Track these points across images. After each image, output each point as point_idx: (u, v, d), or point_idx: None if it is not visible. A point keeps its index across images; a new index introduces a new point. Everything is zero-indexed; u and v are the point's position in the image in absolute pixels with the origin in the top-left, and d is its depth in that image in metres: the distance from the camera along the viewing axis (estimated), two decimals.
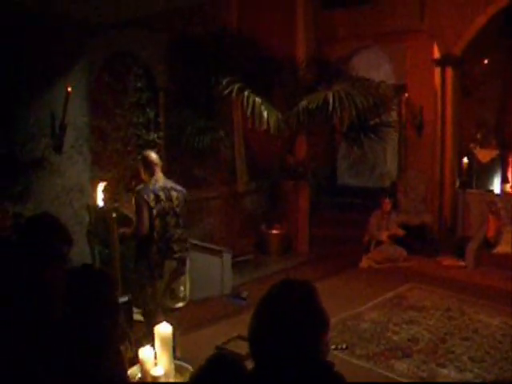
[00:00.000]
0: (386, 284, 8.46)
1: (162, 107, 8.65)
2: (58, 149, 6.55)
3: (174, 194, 5.69)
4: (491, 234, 9.46)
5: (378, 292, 8.06)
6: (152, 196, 5.53)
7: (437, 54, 10.23)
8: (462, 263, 9.33)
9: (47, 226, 3.64)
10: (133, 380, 3.83)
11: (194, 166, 9.23)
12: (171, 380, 3.84)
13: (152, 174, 5.65)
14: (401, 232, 9.82)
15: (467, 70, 10.43)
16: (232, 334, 6.26)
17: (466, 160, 9.97)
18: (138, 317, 6.07)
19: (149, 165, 5.67)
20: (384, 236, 9.74)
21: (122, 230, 5.86)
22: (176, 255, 5.70)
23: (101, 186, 5.70)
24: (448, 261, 9.43)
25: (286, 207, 10.19)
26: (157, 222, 5.55)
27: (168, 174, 6.62)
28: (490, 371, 5.72)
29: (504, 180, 10.63)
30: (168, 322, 5.40)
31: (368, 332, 6.75)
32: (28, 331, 2.57)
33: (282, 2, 9.97)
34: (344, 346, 6.23)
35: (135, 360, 3.92)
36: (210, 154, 9.34)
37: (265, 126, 8.80)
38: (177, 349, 5.18)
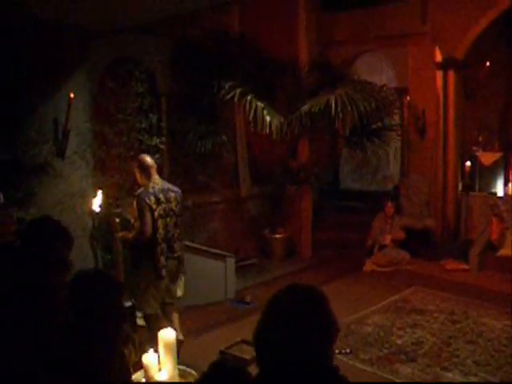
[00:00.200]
0: (389, 288, 8.45)
1: (165, 112, 8.65)
2: (61, 154, 6.56)
3: (171, 194, 5.85)
4: (495, 236, 9.44)
5: (382, 296, 8.05)
6: (153, 199, 5.66)
7: (439, 58, 10.23)
8: (466, 266, 9.31)
9: (48, 229, 3.64)
10: None
11: (196, 170, 9.23)
12: None
13: (149, 177, 5.78)
14: (401, 235, 9.80)
15: (469, 72, 10.43)
16: (236, 338, 6.25)
17: (468, 163, 9.95)
18: (140, 322, 6.08)
19: (146, 168, 5.80)
20: (387, 239, 9.72)
21: (121, 234, 5.92)
22: (176, 254, 5.88)
23: (99, 193, 5.74)
24: (451, 264, 9.41)
25: (289, 211, 10.18)
26: (159, 224, 5.69)
27: (171, 178, 6.67)
28: (495, 375, 5.71)
29: (507, 182, 10.61)
30: (170, 323, 5.47)
31: (372, 336, 6.74)
32: (30, 334, 2.57)
33: (284, 6, 9.98)
34: (348, 350, 6.22)
35: (139, 364, 3.91)
36: (212, 159, 9.34)
37: (267, 131, 8.82)
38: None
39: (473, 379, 5.63)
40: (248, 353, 5.79)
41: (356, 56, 12.06)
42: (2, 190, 4.70)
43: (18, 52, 6.12)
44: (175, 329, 5.67)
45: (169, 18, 7.08)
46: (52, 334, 2.57)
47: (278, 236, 9.96)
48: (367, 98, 8.88)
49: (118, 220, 5.99)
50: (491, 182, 10.86)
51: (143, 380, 3.87)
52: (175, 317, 6.00)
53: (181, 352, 4.72)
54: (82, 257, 6.39)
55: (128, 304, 5.55)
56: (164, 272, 5.76)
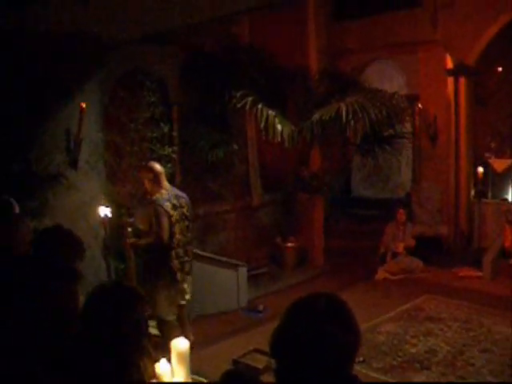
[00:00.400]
0: (402, 296, 8.41)
1: (176, 121, 8.67)
2: (74, 164, 6.60)
3: (182, 200, 6.06)
4: (508, 243, 9.36)
5: (395, 304, 8.01)
6: (169, 204, 5.85)
7: (450, 64, 10.21)
8: (479, 274, 9.25)
9: (60, 238, 3.65)
10: None
11: (208, 179, 9.24)
12: None
13: (160, 183, 5.92)
14: (412, 242, 9.76)
15: (481, 79, 10.40)
16: (248, 347, 6.23)
17: (481, 169, 9.91)
18: (153, 331, 6.08)
19: (157, 176, 5.96)
20: (399, 247, 9.68)
21: (131, 240, 5.97)
22: (189, 258, 6.13)
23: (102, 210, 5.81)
24: (465, 271, 9.35)
25: (301, 220, 10.16)
26: (176, 229, 5.89)
27: (182, 187, 6.70)
28: None
29: None
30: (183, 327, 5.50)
31: (385, 344, 6.70)
32: (41, 345, 2.56)
33: (294, 15, 10.00)
34: (361, 359, 6.18)
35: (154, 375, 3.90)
36: (224, 168, 9.35)
37: (278, 139, 8.82)
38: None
39: None
40: (261, 362, 5.77)
41: (366, 64, 12.07)
42: (16, 199, 4.72)
43: (32, 64, 6.16)
44: (187, 330, 5.79)
45: (181, 28, 7.10)
46: (64, 346, 2.56)
47: (289, 244, 9.94)
48: (378, 105, 8.88)
49: (129, 229, 6.02)
50: (504, 188, 10.80)
51: None
52: (186, 317, 6.14)
53: (193, 361, 4.71)
54: (95, 266, 6.41)
55: None
56: (179, 276, 5.94)
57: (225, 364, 5.85)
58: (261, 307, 7.86)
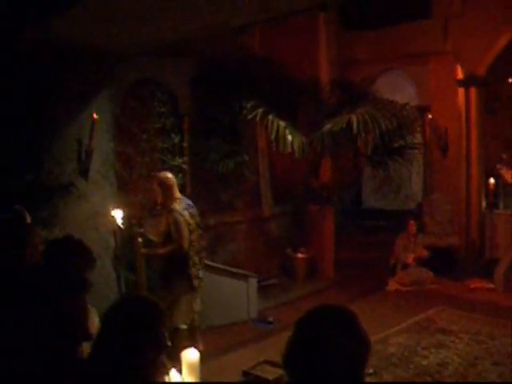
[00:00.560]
0: (413, 307, 8.36)
1: (187, 132, 8.69)
2: (85, 174, 6.62)
3: (194, 209, 6.22)
4: None
5: (406, 315, 7.96)
6: (187, 213, 6.04)
7: (460, 75, 10.19)
8: (491, 285, 9.18)
9: (69, 247, 3.65)
10: None
11: (218, 190, 9.25)
12: None
13: (174, 193, 5.98)
14: (425, 253, 9.73)
15: (492, 89, 10.36)
16: (258, 358, 6.19)
17: (492, 180, 9.86)
18: None
19: (172, 185, 6.04)
20: (410, 258, 9.65)
21: (145, 251, 6.02)
22: (201, 266, 6.30)
23: (118, 211, 5.83)
24: (476, 283, 9.28)
25: (311, 231, 10.14)
26: (193, 237, 6.07)
27: (193, 198, 6.72)
28: None
29: None
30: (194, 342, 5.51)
31: (396, 356, 6.65)
32: (48, 359, 2.55)
33: (305, 26, 10.02)
34: (371, 371, 6.14)
35: None
36: (234, 179, 9.35)
37: (289, 150, 8.82)
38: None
39: None
40: (271, 373, 5.74)
41: (377, 74, 12.06)
42: (27, 209, 4.73)
43: (44, 74, 6.20)
44: (197, 340, 5.82)
45: (192, 39, 7.14)
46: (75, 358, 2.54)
47: (300, 255, 9.92)
48: (389, 116, 8.88)
49: (140, 240, 6.03)
50: None
51: None
52: (196, 327, 6.28)
53: (203, 371, 4.70)
54: (105, 276, 6.42)
55: None
56: (196, 282, 6.10)
57: (235, 375, 5.84)
58: (271, 318, 7.84)
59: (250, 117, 8.57)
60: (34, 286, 2.76)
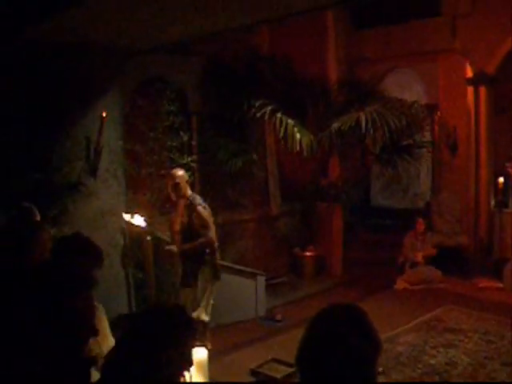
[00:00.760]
0: (421, 306, 8.34)
1: (196, 130, 8.71)
2: (93, 172, 6.65)
3: (205, 205, 6.36)
4: None
5: (414, 314, 7.94)
6: (208, 207, 6.26)
7: (469, 73, 10.14)
8: (500, 285, 9.15)
9: (79, 246, 3.65)
10: None
11: (227, 188, 9.26)
12: None
13: (187, 189, 6.11)
14: (433, 251, 9.70)
15: (501, 88, 10.31)
16: (267, 356, 6.21)
17: (501, 179, 9.82)
18: None
19: (185, 183, 6.11)
20: (419, 257, 9.62)
21: (172, 247, 6.29)
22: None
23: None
24: (485, 282, 9.25)
25: (320, 229, 10.14)
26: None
27: (201, 196, 6.76)
28: None
29: None
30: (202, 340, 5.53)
31: (404, 355, 6.63)
32: (53, 357, 2.55)
33: (313, 24, 10.01)
34: (380, 370, 6.13)
35: None
36: (243, 177, 9.36)
37: (297, 148, 8.82)
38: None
39: None
40: (279, 371, 5.76)
41: (385, 73, 12.02)
42: (36, 207, 4.76)
43: (53, 74, 6.23)
44: (205, 339, 5.90)
45: (201, 37, 7.14)
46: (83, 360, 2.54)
47: (308, 254, 9.92)
48: (397, 114, 8.86)
49: (149, 238, 6.03)
50: None
51: None
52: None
53: (211, 370, 4.72)
54: (113, 274, 6.45)
55: None
56: (218, 275, 6.39)
57: (243, 373, 5.85)
58: (279, 316, 7.84)
59: (258, 115, 8.57)
60: (40, 284, 2.76)
